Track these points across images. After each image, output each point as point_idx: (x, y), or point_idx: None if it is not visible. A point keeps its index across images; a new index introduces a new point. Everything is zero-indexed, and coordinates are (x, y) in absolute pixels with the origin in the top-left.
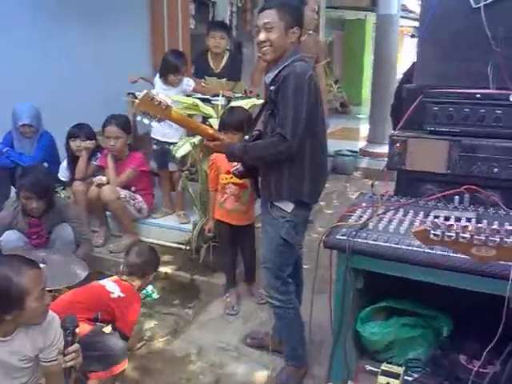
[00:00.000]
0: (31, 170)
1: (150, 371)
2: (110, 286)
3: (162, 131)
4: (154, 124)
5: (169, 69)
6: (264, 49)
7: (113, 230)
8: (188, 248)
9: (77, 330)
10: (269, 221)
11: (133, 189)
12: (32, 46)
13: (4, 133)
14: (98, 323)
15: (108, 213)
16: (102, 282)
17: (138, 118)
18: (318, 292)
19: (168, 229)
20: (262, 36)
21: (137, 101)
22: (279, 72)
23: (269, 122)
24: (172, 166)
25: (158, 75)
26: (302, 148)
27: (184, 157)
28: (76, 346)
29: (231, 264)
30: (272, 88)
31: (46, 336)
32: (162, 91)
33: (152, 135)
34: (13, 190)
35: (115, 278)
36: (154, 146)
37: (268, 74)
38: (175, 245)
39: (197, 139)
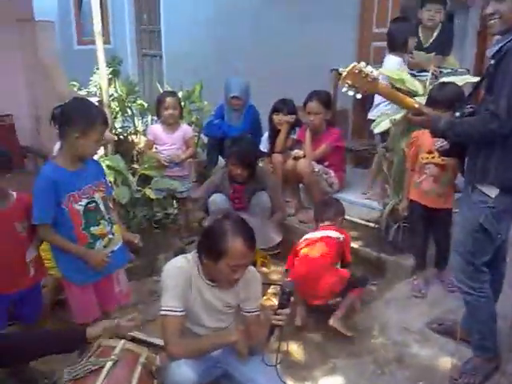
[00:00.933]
0: (240, 141)
1: (332, 336)
2: (333, 233)
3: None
4: (358, 96)
5: (405, 35)
6: (492, 21)
7: (303, 201)
8: (377, 226)
9: (291, 298)
10: (468, 204)
11: (326, 163)
12: (244, 25)
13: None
14: None
15: (300, 185)
16: (320, 233)
17: (344, 90)
18: None
19: (358, 205)
20: (491, 7)
21: (344, 72)
22: (504, 45)
23: (485, 100)
24: None
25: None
26: None
27: (382, 133)
28: (287, 310)
29: (422, 246)
30: (492, 62)
31: (248, 289)
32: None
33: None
34: (220, 159)
35: (323, 226)
36: None
37: (491, 48)
38: (364, 222)
39: (398, 116)
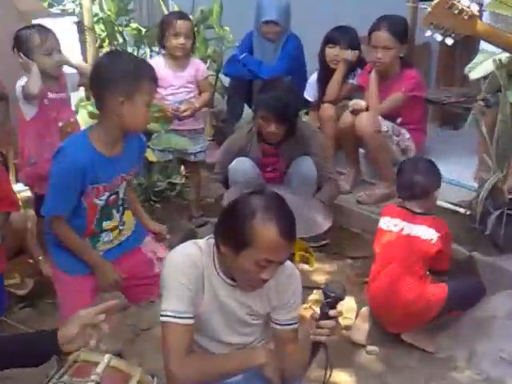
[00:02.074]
0: (273, 85)
1: (397, 367)
2: (424, 232)
3: None
4: (448, 41)
5: None
6: None
7: (365, 173)
8: (469, 213)
9: (341, 302)
10: None
11: (399, 120)
12: None
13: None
14: None
15: (361, 150)
16: (411, 232)
17: (428, 34)
18: None
19: (443, 182)
20: None
21: (429, 9)
22: None
23: None
24: None
25: None
26: None
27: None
28: (332, 323)
29: None
30: None
31: (282, 294)
32: None
33: None
34: (246, 109)
35: (407, 215)
36: None
37: None
38: (451, 206)
39: (504, 56)
